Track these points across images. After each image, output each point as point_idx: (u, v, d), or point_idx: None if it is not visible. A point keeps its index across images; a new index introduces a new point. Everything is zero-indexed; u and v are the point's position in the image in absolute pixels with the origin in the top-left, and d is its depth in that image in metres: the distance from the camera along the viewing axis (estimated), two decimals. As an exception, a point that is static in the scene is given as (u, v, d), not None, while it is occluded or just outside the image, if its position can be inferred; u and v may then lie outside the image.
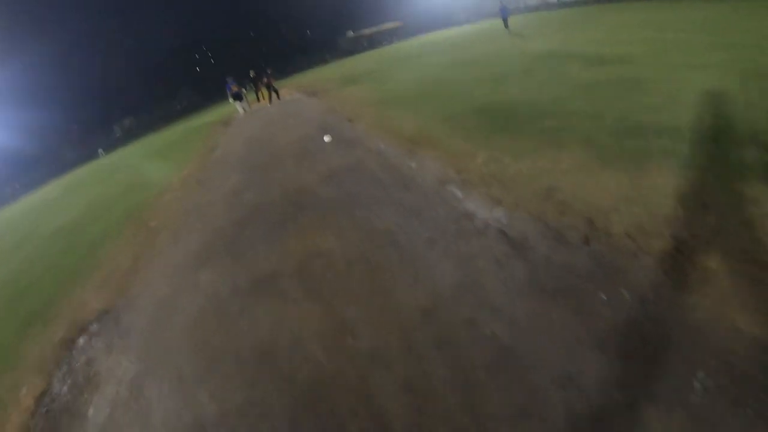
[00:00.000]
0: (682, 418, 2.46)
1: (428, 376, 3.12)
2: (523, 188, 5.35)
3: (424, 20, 65.55)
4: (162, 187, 12.42)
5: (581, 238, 4.19)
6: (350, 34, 76.34)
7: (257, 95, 30.56)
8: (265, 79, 26.84)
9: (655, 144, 5.41)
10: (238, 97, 25.04)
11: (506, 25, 28.64)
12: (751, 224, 3.74)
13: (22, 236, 13.53)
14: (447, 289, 3.95)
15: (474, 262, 4.22)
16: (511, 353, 3.14)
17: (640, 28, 15.11)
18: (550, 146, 6.27)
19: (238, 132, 19.42)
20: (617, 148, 5.63)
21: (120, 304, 5.77)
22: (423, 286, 4.08)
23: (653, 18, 17.13)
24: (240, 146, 14.76)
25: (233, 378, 3.70)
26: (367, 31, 73.51)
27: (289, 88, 33.32)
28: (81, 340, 5.17)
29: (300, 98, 24.17)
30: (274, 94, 26.65)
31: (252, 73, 28.64)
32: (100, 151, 53.22)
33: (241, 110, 25.47)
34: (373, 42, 69.87)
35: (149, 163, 21.01)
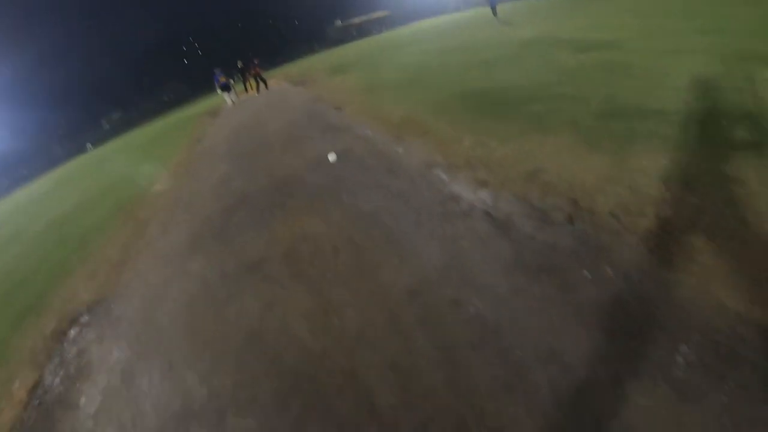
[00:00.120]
0: (665, 392, 2.50)
1: (413, 354, 3.15)
2: (508, 170, 5.37)
3: (413, 9, 65.34)
4: (151, 179, 12.38)
5: (565, 217, 4.23)
6: (338, 23, 75.89)
7: (245, 86, 30.40)
8: (252, 70, 26.71)
9: (641, 126, 5.45)
10: (225, 87, 24.89)
11: (495, 13, 28.62)
12: (736, 203, 3.79)
13: (14, 231, 13.43)
14: (432, 270, 3.98)
15: (459, 243, 4.25)
16: (496, 330, 3.17)
17: (628, 15, 15.12)
18: (536, 130, 6.29)
19: (226, 122, 19.34)
20: (603, 130, 5.66)
21: (111, 295, 5.77)
22: (408, 268, 4.10)
23: (641, 5, 17.14)
24: (228, 136, 14.71)
25: (222, 362, 3.72)
26: (355, 21, 73.14)
27: (277, 78, 33.14)
28: (72, 332, 5.16)
29: (288, 88, 24.07)
30: (261, 84, 26.53)
31: (239, 64, 28.43)
32: (88, 145, 52.84)
33: (229, 101, 25.33)
34: (361, 31, 69.49)
35: (138, 156, 20.90)
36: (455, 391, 2.82)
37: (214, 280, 5.05)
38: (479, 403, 2.71)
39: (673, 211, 3.91)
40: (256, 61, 26.83)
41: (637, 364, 2.74)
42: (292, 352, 3.54)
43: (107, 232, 8.71)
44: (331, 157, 4.43)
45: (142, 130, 42.73)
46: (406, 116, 9.10)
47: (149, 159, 17.27)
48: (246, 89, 29.92)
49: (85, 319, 5.37)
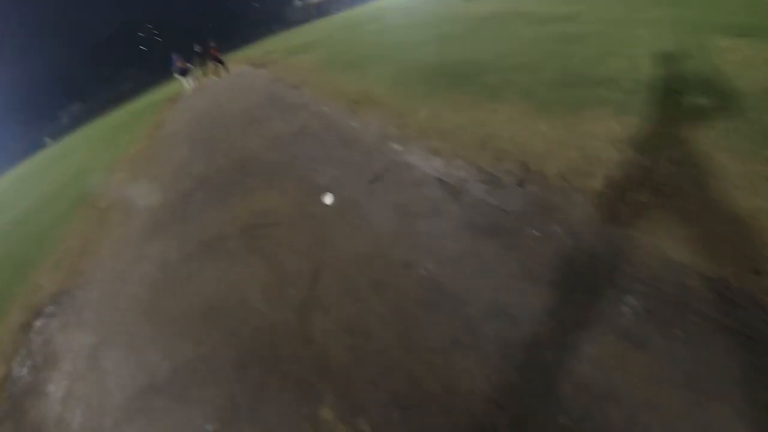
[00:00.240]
0: (612, 341, 2.64)
1: (366, 317, 3.25)
2: (461, 139, 5.45)
3: (376, -14, 64.40)
4: (111, 168, 12.15)
5: (516, 180, 4.34)
6: (298, 3, 74.41)
7: (204, 70, 29.76)
8: (210, 53, 26.12)
9: (593, 94, 5.56)
10: (184, 72, 24.34)
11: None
12: (681, 162, 3.93)
13: (-25, 231, 13.11)
14: (385, 236, 4.06)
15: (411, 210, 4.33)
16: (445, 290, 3.28)
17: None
18: (491, 99, 6.36)
19: (185, 107, 18.97)
20: (555, 98, 5.76)
21: (74, 284, 5.72)
22: (362, 235, 4.18)
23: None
24: (188, 121, 14.47)
25: (183, 337, 3.76)
26: (315, 0, 71.83)
27: (237, 61, 32.50)
28: (38, 323, 5.13)
29: (247, 70, 23.64)
30: (221, 68, 26.02)
31: (197, 48, 27.77)
32: (47, 140, 51.19)
33: (188, 86, 24.80)
34: (321, 11, 68.28)
35: (98, 146, 20.40)
36: (406, 349, 2.92)
37: (175, 260, 5.06)
38: (429, 358, 2.82)
39: (622, 172, 4.04)
40: (213, 45, 26.24)
41: (584, 316, 2.87)
42: (250, 323, 3.60)
43: (69, 224, 8.58)
44: (328, 199, 4.32)
45: (103, 120, 41.58)
46: (364, 92, 9.08)
47: (110, 149, 16.87)
48: (205, 73, 29.29)
49: (50, 309, 5.33)
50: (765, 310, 2.68)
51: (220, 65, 25.94)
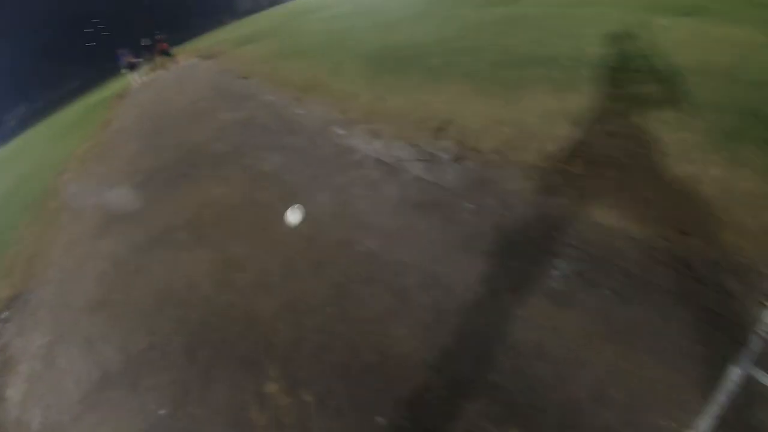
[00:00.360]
0: (542, 303, 2.78)
1: (307, 294, 3.34)
2: (402, 120, 5.53)
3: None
4: (61, 169, 11.78)
5: (453, 157, 4.46)
6: (248, -8, 72.49)
7: (152, 64, 28.88)
8: (159, 47, 25.38)
9: (533, 72, 5.68)
10: (131, 67, 23.61)
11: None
12: (613, 134, 4.10)
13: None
14: (325, 216, 4.14)
15: (351, 190, 4.42)
16: (382, 264, 3.39)
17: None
18: (433, 81, 6.45)
19: (134, 102, 18.41)
20: (496, 78, 5.87)
21: (27, 287, 5.60)
22: (304, 217, 4.26)
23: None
24: (136, 116, 14.09)
25: (135, 329, 3.78)
26: (264, -11, 70.08)
27: (186, 54, 31.63)
28: (-7, 329, 5.04)
29: (197, 62, 23.06)
30: (169, 61, 25.34)
31: (145, 42, 26.88)
32: (-7, 145, 48.93)
33: (136, 81, 24.08)
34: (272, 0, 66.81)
35: (46, 148, 19.67)
36: (346, 322, 3.03)
37: (125, 254, 5.02)
38: (368, 329, 2.94)
39: (556, 145, 4.18)
40: (161, 38, 25.49)
41: (516, 281, 3.01)
42: (198, 308, 3.64)
43: (19, 229, 8.34)
44: (293, 216, 4.05)
45: (51, 120, 39.98)
46: (310, 79, 9.04)
47: (58, 149, 16.31)
48: (154, 68, 28.44)
49: (5, 315, 5.22)
50: (690, 267, 2.87)
51: (168, 58, 25.26)
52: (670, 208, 3.26)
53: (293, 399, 2.69)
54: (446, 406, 2.43)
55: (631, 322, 2.59)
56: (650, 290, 2.74)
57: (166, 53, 25.18)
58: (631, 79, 4.87)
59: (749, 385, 2.24)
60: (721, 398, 2.24)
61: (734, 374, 2.31)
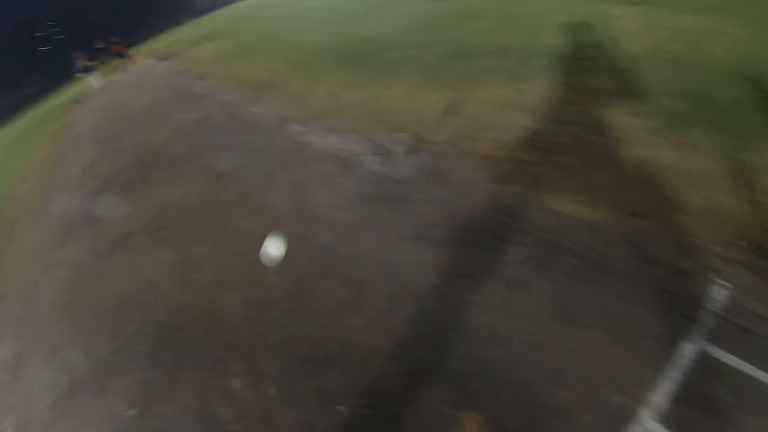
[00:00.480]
0: (497, 289, 2.86)
1: (266, 290, 3.36)
2: (357, 115, 5.55)
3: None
4: (18, 178, 11.36)
5: (407, 150, 4.50)
6: (204, -10, 70.37)
7: (108, 67, 27.94)
8: (114, 49, 24.58)
9: (487, 64, 5.73)
10: (87, 71, 22.80)
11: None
12: (566, 122, 4.19)
13: None
14: (283, 213, 4.16)
15: (308, 186, 4.43)
16: (339, 257, 3.43)
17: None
18: (388, 75, 6.45)
19: (90, 107, 17.75)
20: (450, 70, 5.91)
21: (-10, 301, 5.45)
22: (261, 215, 4.25)
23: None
24: (93, 120, 13.59)
25: (100, 333, 3.72)
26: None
27: (143, 55, 30.69)
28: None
29: (153, 64, 22.41)
30: (126, 63, 24.59)
31: (100, 45, 25.94)
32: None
33: (93, 85, 23.28)
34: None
35: (3, 157, 18.93)
36: (305, 315, 3.07)
37: (86, 261, 4.91)
38: (327, 321, 2.98)
39: (509, 134, 4.26)
40: (117, 40, 24.67)
41: (470, 268, 3.08)
42: (160, 310, 3.61)
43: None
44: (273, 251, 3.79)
45: (7, 129, 38.35)
46: (266, 77, 8.92)
47: (15, 159, 15.72)
48: (110, 71, 27.53)
49: (-31, 331, 5.07)
50: (641, 247, 2.98)
51: (125, 60, 24.50)
52: (622, 192, 3.37)
53: (257, 393, 2.72)
54: (405, 392, 2.49)
55: (585, 304, 2.69)
56: (603, 272, 2.85)
57: (122, 55, 24.41)
58: (584, 68, 4.98)
59: (703, 359, 2.36)
60: (674, 374, 2.34)
61: (687, 350, 2.42)
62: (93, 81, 23.24)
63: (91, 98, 20.97)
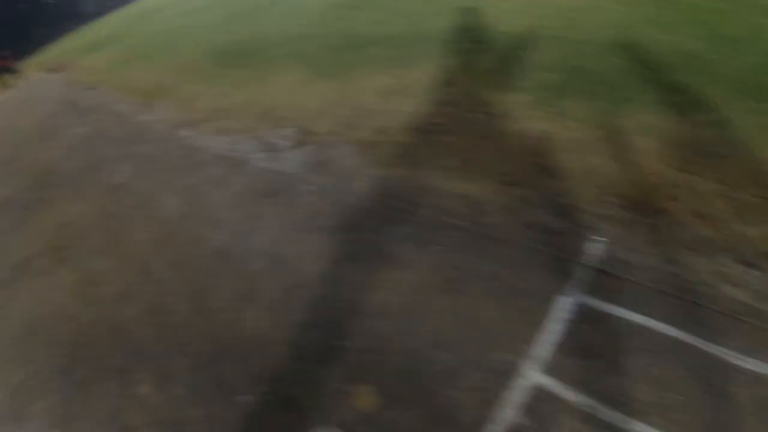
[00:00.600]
0: (379, 267, 3.04)
1: (166, 296, 3.40)
2: (245, 114, 5.52)
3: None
4: None
5: (293, 144, 4.55)
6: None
7: (-4, 84, 25.34)
8: (1, 63, 22.31)
9: (370, 53, 5.79)
10: (-28, 90, 20.61)
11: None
12: (447, 103, 4.33)
13: None
14: (177, 218, 4.15)
15: (200, 189, 4.43)
16: (232, 255, 3.52)
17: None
18: (274, 72, 6.40)
19: (-22, 128, 16.30)
20: (334, 61, 5.93)
21: None
22: (157, 223, 4.22)
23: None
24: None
25: (13, 361, 3.59)
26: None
27: (33, 68, 28.08)
28: None
29: (44, 77, 20.63)
30: (15, 78, 22.45)
31: (-17, 61, 23.40)
32: None
33: (-20, 105, 21.11)
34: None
35: None
36: (203, 315, 3.16)
37: (-14, 292, 4.64)
38: (224, 317, 3.09)
39: (390, 119, 4.38)
40: (3, 54, 22.40)
41: (354, 251, 3.23)
42: (67, 329, 3.54)
43: None
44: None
45: None
46: (157, 83, 8.50)
47: None
48: (-2, 88, 24.96)
49: None
50: (518, 214, 3.20)
51: (13, 75, 22.34)
52: (500, 165, 3.60)
53: (165, 395, 2.79)
54: (302, 374, 2.65)
55: (466, 272, 2.89)
56: (484, 241, 3.06)
57: (9, 70, 22.22)
58: (466, 50, 5.17)
59: (581, 311, 2.60)
60: (555, 327, 2.57)
61: (566, 304, 2.66)
62: (-21, 100, 21.03)
63: (-23, 119, 19.04)
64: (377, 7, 7.83)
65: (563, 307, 2.61)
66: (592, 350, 2.42)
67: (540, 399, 2.25)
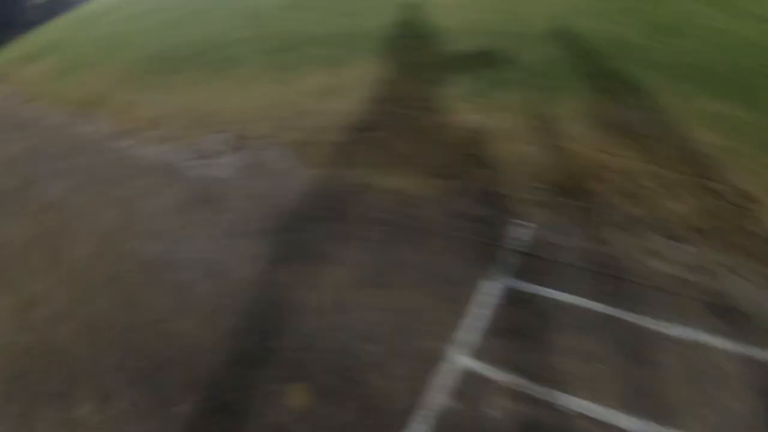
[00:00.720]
0: (313, 266, 3.02)
1: (102, 312, 3.27)
2: (184, 121, 5.36)
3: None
4: None
5: (230, 149, 4.47)
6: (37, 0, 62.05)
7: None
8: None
9: (310, 53, 5.71)
10: None
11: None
12: (380, 100, 4.31)
13: None
14: (113, 231, 3.99)
15: (137, 200, 4.27)
16: (168, 265, 3.43)
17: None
18: (213, 76, 6.24)
19: None
20: (273, 64, 5.82)
21: None
22: (94, 238, 4.03)
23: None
24: None
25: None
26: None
27: (-32, 83, 26.86)
28: None
29: (-21, 91, 19.77)
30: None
31: None
32: None
33: None
34: (63, 4, 58.15)
35: None
36: (139, 328, 3.06)
37: None
38: (160, 328, 3.00)
39: (325, 120, 4.34)
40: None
41: (288, 253, 3.20)
42: (4, 357, 3.36)
43: None
44: None
45: None
46: (98, 92, 8.09)
47: None
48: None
49: None
50: (447, 205, 3.23)
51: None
52: (431, 158, 3.63)
53: (105, 414, 2.69)
54: (236, 379, 2.61)
55: (395, 265, 2.92)
56: (413, 234, 3.09)
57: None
58: (404, 46, 5.16)
59: (510, 294, 2.65)
60: (483, 311, 2.62)
61: (493, 288, 2.72)
62: None
63: None
64: (317, 7, 7.73)
65: (490, 292, 2.68)
66: (519, 331, 2.49)
67: (469, 382, 2.30)
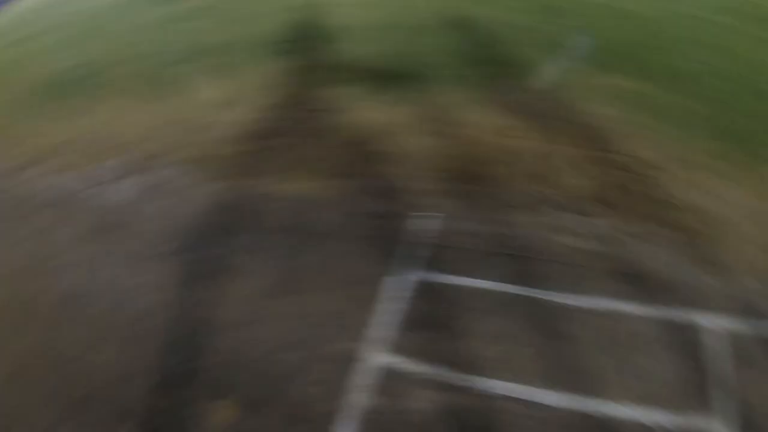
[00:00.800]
0: (224, 281, 3.03)
1: (17, 357, 3.10)
2: (77, 148, 5.05)
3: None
4: None
5: (124, 173, 4.28)
6: None
7: None
8: None
9: (200, 65, 5.50)
10: None
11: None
12: (280, 106, 4.21)
13: None
14: (22, 270, 3.76)
15: (37, 237, 4.04)
16: (79, 298, 3.29)
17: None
18: (106, 98, 5.85)
19: None
20: (167, 78, 5.56)
21: None
22: (3, 280, 3.75)
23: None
24: None
25: None
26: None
27: None
28: None
29: None
30: None
31: None
32: None
33: None
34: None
35: None
36: (59, 366, 2.93)
37: None
38: (85, 360, 2.91)
39: (224, 131, 4.21)
40: None
41: (198, 269, 3.13)
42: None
43: None
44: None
45: None
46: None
47: None
48: None
49: None
50: (346, 206, 3.23)
51: None
52: (331, 159, 3.63)
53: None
54: (162, 402, 2.56)
55: (304, 271, 2.92)
56: (315, 238, 3.09)
57: None
58: (298, 49, 5.08)
59: (419, 287, 2.69)
60: (396, 307, 2.66)
61: (402, 283, 2.76)
62: None
63: None
64: (216, 15, 7.48)
65: (401, 287, 2.74)
66: (434, 322, 2.57)
67: (389, 377, 2.38)
